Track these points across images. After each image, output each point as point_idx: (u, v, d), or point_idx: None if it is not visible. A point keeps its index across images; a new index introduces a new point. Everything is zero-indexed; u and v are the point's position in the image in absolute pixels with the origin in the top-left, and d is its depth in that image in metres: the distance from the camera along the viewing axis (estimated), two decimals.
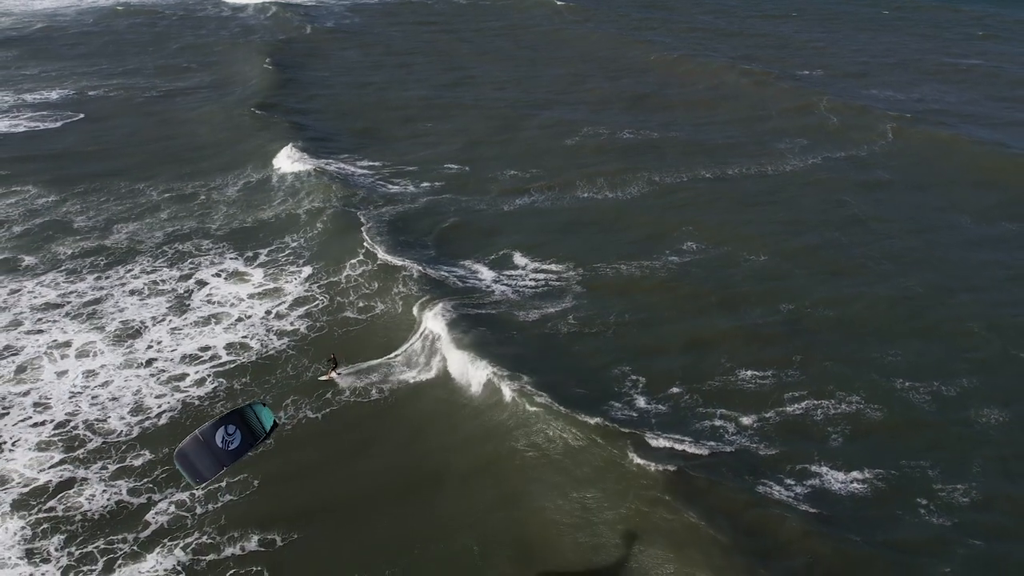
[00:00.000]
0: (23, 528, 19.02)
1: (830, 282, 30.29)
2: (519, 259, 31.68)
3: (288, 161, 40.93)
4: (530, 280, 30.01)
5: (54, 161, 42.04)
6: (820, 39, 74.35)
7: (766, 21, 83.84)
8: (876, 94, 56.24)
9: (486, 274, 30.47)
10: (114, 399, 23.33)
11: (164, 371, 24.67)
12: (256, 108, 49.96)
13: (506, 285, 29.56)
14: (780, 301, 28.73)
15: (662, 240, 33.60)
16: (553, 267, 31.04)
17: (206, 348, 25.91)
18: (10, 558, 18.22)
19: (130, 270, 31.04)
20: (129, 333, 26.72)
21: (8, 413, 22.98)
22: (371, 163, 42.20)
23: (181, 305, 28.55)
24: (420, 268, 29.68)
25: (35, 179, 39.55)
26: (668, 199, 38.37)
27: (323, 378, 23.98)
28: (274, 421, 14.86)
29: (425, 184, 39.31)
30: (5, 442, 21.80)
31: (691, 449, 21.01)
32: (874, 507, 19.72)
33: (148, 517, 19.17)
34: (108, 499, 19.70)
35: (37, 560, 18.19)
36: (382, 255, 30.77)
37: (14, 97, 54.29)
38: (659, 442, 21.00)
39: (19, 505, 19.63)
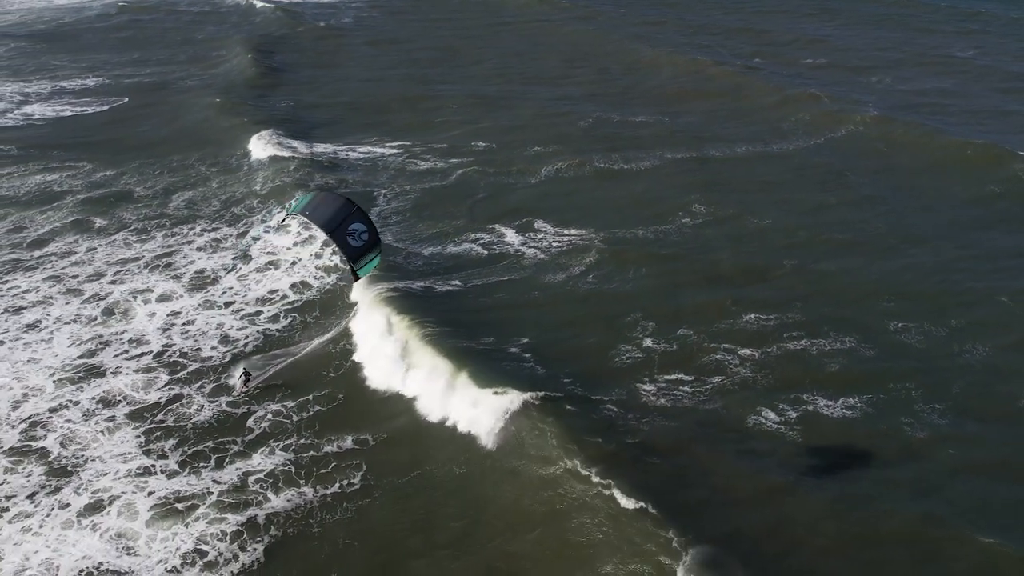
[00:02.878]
0: (139, 436, 21.56)
1: (835, 251, 32.45)
2: (540, 225, 34.14)
3: (306, 143, 43.58)
4: (554, 242, 32.54)
5: (105, 140, 44.61)
6: (825, 35, 76.39)
7: (769, 17, 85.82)
8: (876, 85, 58.58)
9: (512, 237, 33.09)
10: (203, 333, 25.94)
11: (241, 310, 27.43)
12: (276, 96, 52.76)
13: (532, 247, 32.14)
14: (784, 261, 31.10)
15: (675, 210, 35.93)
16: (573, 231, 33.46)
17: (275, 290, 28.81)
18: (131, 453, 20.78)
19: (192, 229, 33.68)
20: (205, 281, 29.36)
21: (106, 348, 25.53)
22: (397, 143, 44.94)
23: (244, 256, 31.09)
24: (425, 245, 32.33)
25: (90, 157, 42.04)
26: (679, 174, 40.76)
27: (235, 394, 23.24)
28: (359, 276, 16.55)
29: (454, 160, 41.94)
30: (108, 369, 24.34)
31: (689, 379, 23.45)
32: (861, 429, 21.87)
33: (250, 424, 21.77)
34: (212, 411, 22.28)
35: (155, 456, 20.72)
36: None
37: (51, 85, 56.77)
38: (655, 378, 23.56)
39: (133, 416, 22.21)
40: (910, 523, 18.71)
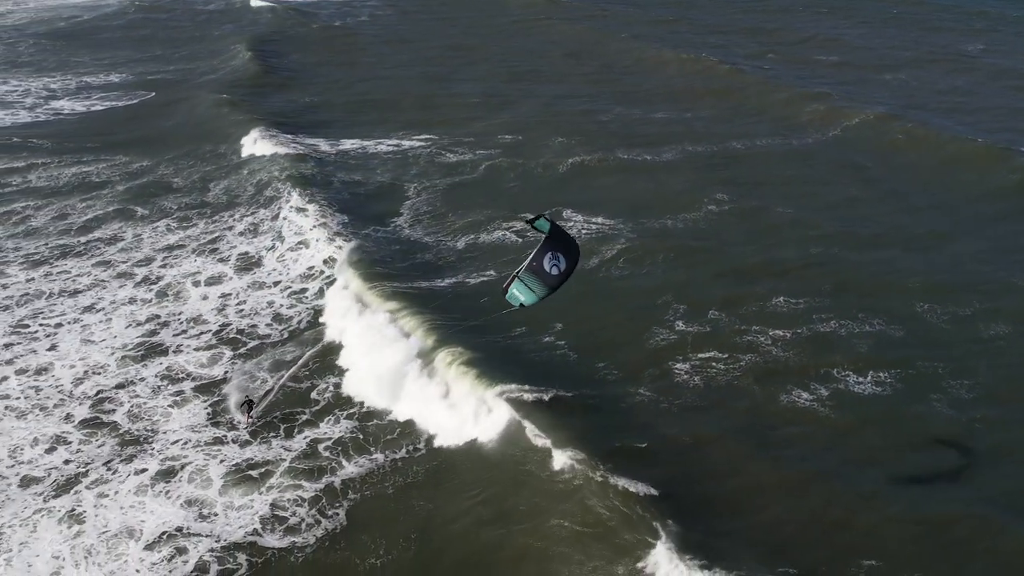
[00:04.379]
0: (207, 408, 22.47)
1: (858, 243, 33.11)
2: (569, 214, 35.10)
3: (332, 137, 44.84)
4: (583, 231, 33.44)
5: (136, 133, 45.61)
6: (836, 34, 77.08)
7: (778, 17, 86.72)
8: (889, 83, 59.47)
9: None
10: (256, 312, 26.97)
11: (288, 288, 28.63)
12: (297, 92, 54.11)
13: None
14: (811, 250, 31.99)
15: (699, 202, 36.66)
16: (601, 220, 34.39)
17: (311, 267, 30.09)
18: (202, 423, 21.72)
19: (232, 215, 34.81)
20: (250, 263, 30.49)
21: (164, 328, 26.47)
22: (422, 137, 46.05)
23: (279, 237, 32.34)
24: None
25: (124, 149, 42.99)
26: (700, 168, 41.57)
27: (242, 427, 21.94)
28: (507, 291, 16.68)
29: (481, 152, 43.07)
30: (169, 347, 25.28)
31: (723, 356, 24.22)
32: (892, 411, 22.42)
33: (314, 396, 22.71)
34: (277, 384, 23.13)
35: (224, 428, 21.65)
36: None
37: (77, 80, 57.70)
38: (688, 358, 24.34)
39: (200, 391, 23.16)
40: (941, 511, 18.90)
